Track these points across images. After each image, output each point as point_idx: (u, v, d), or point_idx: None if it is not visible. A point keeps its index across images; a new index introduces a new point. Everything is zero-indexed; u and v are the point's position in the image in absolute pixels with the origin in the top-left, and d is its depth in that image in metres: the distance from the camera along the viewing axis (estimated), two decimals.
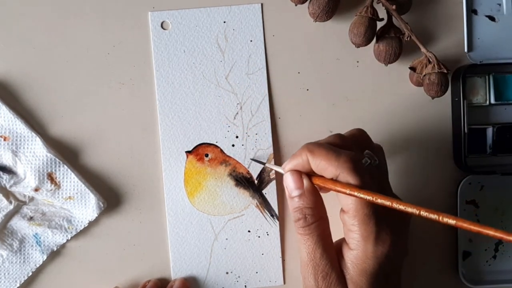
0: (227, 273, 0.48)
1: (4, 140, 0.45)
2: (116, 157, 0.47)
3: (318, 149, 0.37)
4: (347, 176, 0.36)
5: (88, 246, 0.47)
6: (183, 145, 0.48)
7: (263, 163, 0.47)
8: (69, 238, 0.46)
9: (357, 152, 0.39)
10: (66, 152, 0.47)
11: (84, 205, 0.46)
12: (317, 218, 0.39)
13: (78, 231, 0.46)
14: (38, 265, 0.46)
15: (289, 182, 0.39)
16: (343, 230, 0.39)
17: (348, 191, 0.36)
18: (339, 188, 0.36)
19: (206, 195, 0.48)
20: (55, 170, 0.45)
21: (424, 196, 0.49)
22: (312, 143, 0.38)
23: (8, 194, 0.46)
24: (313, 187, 0.39)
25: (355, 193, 0.36)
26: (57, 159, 0.45)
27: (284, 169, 0.39)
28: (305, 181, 0.38)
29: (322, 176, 0.38)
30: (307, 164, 0.38)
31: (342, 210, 0.38)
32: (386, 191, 0.40)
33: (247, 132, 0.48)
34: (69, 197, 0.46)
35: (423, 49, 0.45)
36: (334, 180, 0.37)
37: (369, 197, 0.35)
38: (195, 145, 0.48)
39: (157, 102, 0.47)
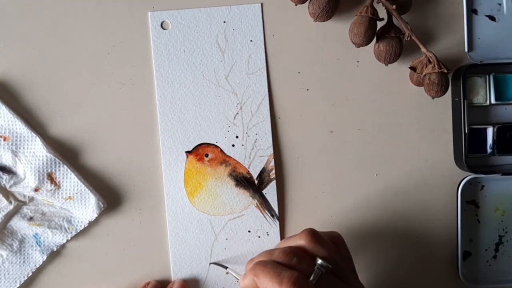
0: (227, 273, 0.48)
1: (4, 140, 0.45)
2: (116, 157, 0.47)
3: (263, 273, 0.37)
4: None
5: (88, 246, 0.47)
6: (183, 145, 0.48)
7: (225, 267, 0.47)
8: (69, 238, 0.46)
9: (308, 263, 0.38)
10: (66, 152, 0.47)
11: (84, 205, 0.46)
12: None
13: (78, 231, 0.46)
14: (38, 265, 0.46)
15: None
16: None
17: None
18: None
19: (206, 195, 0.48)
20: (55, 170, 0.45)
21: (424, 196, 0.49)
22: (260, 263, 0.38)
23: (8, 194, 0.46)
24: None
25: None
26: (57, 159, 0.45)
27: (244, 280, 0.39)
28: None
29: None
30: (256, 286, 0.38)
31: None
32: (351, 283, 0.40)
33: (247, 132, 0.48)
34: (69, 197, 0.46)
35: (423, 49, 0.45)
36: None
37: None
38: (195, 145, 0.48)
39: (157, 102, 0.47)
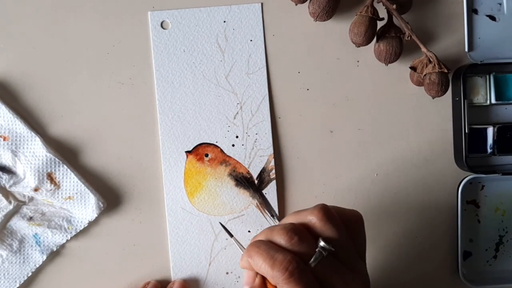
0: (227, 273, 0.48)
1: (4, 140, 0.45)
2: (116, 157, 0.47)
3: (257, 254, 0.35)
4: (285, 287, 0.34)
5: (88, 246, 0.47)
6: (183, 145, 0.48)
7: (231, 235, 0.46)
8: (69, 238, 0.46)
9: (310, 244, 0.35)
10: (66, 152, 0.47)
11: (84, 205, 0.46)
12: None
13: (78, 231, 0.46)
14: (38, 265, 0.46)
15: (245, 276, 0.38)
16: None
17: None
18: None
19: (206, 195, 0.48)
20: (54, 170, 0.45)
21: (424, 196, 0.49)
22: (255, 243, 0.36)
23: (7, 194, 0.46)
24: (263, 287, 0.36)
25: None
26: (57, 159, 0.45)
27: (241, 261, 0.37)
28: (257, 280, 0.37)
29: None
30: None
31: None
32: (355, 269, 0.37)
33: (247, 132, 0.48)
34: (69, 197, 0.46)
35: (423, 49, 0.45)
36: None
37: None
38: (195, 145, 0.48)
39: (157, 102, 0.47)
